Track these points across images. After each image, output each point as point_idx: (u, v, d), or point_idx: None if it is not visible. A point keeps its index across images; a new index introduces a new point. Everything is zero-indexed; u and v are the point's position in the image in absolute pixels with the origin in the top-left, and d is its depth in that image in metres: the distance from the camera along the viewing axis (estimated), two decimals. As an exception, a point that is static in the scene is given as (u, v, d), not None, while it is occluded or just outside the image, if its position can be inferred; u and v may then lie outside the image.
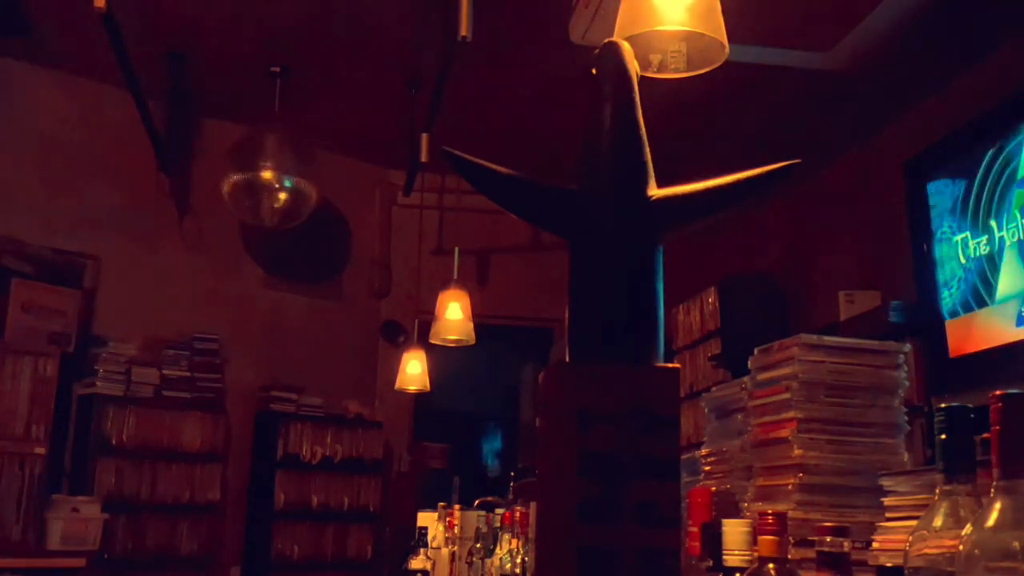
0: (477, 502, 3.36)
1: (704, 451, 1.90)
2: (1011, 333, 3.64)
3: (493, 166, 1.08)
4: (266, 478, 5.48)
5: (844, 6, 3.80)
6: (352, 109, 5.54)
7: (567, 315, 1.04)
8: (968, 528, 0.78)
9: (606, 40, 1.12)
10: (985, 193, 3.83)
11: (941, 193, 4.09)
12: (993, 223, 3.76)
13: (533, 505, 2.38)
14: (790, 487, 1.52)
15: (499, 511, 2.86)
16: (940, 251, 4.08)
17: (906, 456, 1.58)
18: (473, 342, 4.17)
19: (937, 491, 0.87)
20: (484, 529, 2.94)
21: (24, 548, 4.32)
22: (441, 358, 4.81)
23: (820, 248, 5.26)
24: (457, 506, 3.43)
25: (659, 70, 1.43)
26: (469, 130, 5.18)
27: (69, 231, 5.11)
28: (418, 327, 5.06)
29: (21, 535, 4.36)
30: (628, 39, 1.21)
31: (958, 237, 3.96)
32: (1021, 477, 0.76)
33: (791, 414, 1.56)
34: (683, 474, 1.82)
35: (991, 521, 0.76)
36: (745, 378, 1.73)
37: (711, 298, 5.46)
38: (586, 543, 0.91)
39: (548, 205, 1.10)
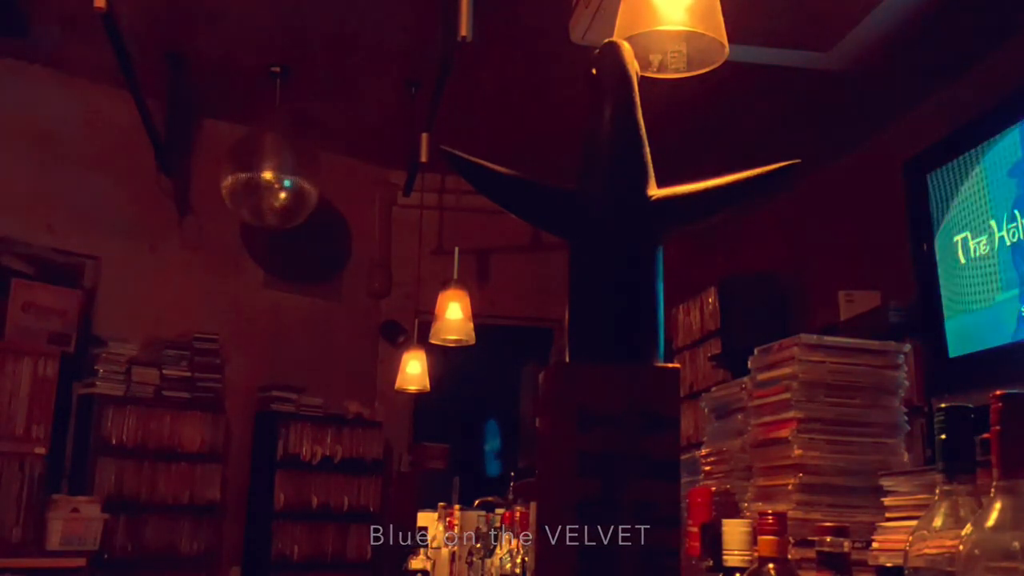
0: (477, 502, 3.36)
1: (704, 451, 1.90)
2: (1011, 333, 3.63)
3: (493, 166, 1.08)
4: (266, 478, 5.47)
5: (844, 6, 3.79)
6: (352, 109, 5.54)
7: (567, 315, 1.04)
8: (968, 528, 0.78)
9: (606, 40, 1.12)
10: (985, 193, 3.82)
11: (941, 193, 4.09)
12: (993, 223, 3.76)
13: (533, 505, 2.38)
14: (790, 487, 1.51)
15: (499, 511, 2.86)
16: (940, 251, 4.07)
17: (906, 456, 1.59)
18: (473, 342, 4.17)
19: (937, 491, 0.87)
20: (484, 529, 2.94)
21: (24, 548, 4.32)
22: (441, 358, 4.81)
23: (820, 248, 5.26)
24: (457, 506, 3.43)
25: (659, 70, 1.43)
26: (469, 130, 5.18)
27: (69, 231, 5.11)
28: (418, 327, 5.06)
29: (21, 535, 4.36)
30: (628, 39, 1.21)
31: (958, 237, 3.96)
32: (1021, 477, 0.76)
33: (791, 414, 1.56)
34: (683, 474, 1.81)
35: (991, 521, 0.76)
36: (745, 378, 1.73)
37: (711, 298, 5.46)
38: (586, 543, 0.91)
39: (548, 205, 1.10)
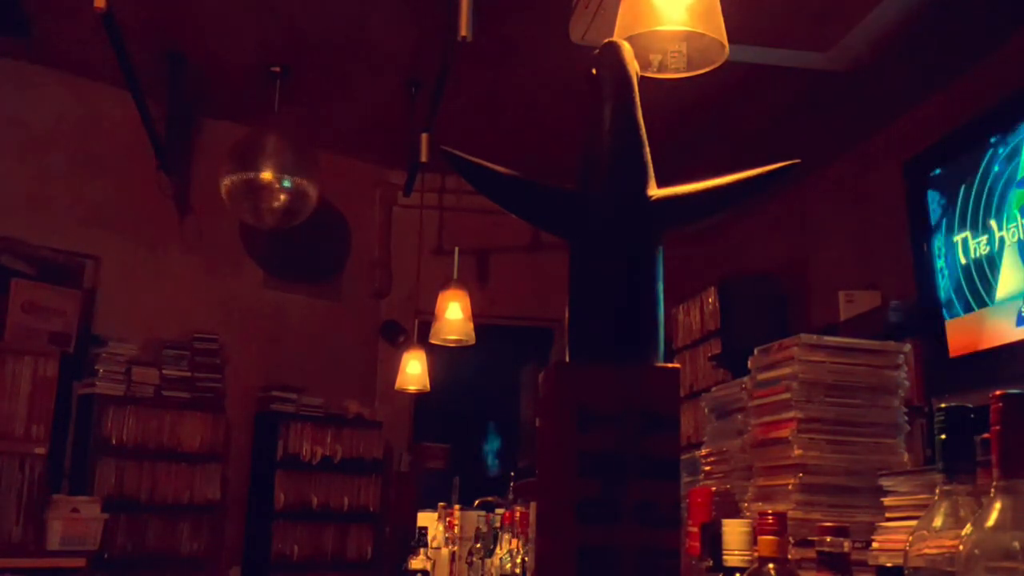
0: (477, 502, 3.36)
1: (704, 451, 1.90)
2: (1011, 333, 3.63)
3: (493, 166, 1.08)
4: (266, 478, 5.48)
5: (844, 6, 3.80)
6: (352, 109, 5.54)
7: (567, 315, 1.04)
8: (968, 528, 0.78)
9: (606, 40, 1.12)
10: (985, 193, 3.83)
11: (941, 192, 4.09)
12: (993, 223, 3.76)
13: (533, 505, 2.38)
14: (790, 487, 1.51)
15: (499, 511, 2.86)
16: (940, 251, 4.08)
17: (906, 456, 1.58)
18: (473, 342, 4.17)
19: (937, 491, 0.87)
20: (484, 529, 2.94)
21: (24, 548, 4.32)
22: (441, 358, 4.81)
23: (820, 248, 5.26)
24: (457, 506, 3.43)
25: (659, 70, 1.43)
26: (469, 130, 5.18)
27: (69, 231, 5.11)
28: (418, 327, 5.06)
29: (21, 535, 4.36)
30: (628, 39, 1.21)
31: (958, 237, 3.96)
32: (1021, 477, 0.76)
33: (791, 414, 1.56)
34: (683, 474, 1.82)
35: (991, 521, 0.76)
36: (745, 378, 1.73)
37: (711, 298, 5.46)
38: (586, 543, 0.91)
39: (548, 205, 1.10)
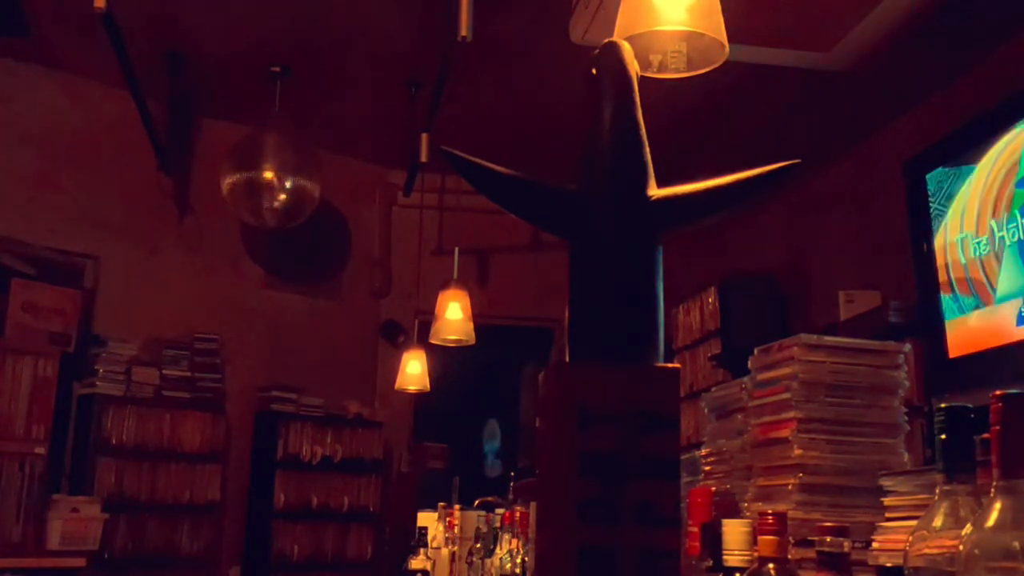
0: (477, 502, 3.36)
1: (704, 451, 1.90)
2: (1011, 333, 3.63)
3: (493, 166, 1.08)
4: (266, 478, 5.47)
5: (844, 6, 3.79)
6: (352, 109, 5.54)
7: (567, 315, 1.04)
8: (968, 528, 0.78)
9: (606, 40, 1.12)
10: (985, 193, 3.82)
11: (941, 192, 4.09)
12: (993, 223, 3.76)
13: (533, 505, 2.38)
14: (790, 487, 1.51)
15: (499, 511, 2.86)
16: (940, 251, 4.07)
17: (906, 456, 1.58)
18: (473, 342, 4.17)
19: (937, 491, 0.87)
20: (484, 529, 2.94)
21: (24, 548, 4.32)
22: (441, 358, 4.81)
23: (820, 248, 5.26)
24: (457, 506, 3.43)
25: (659, 70, 1.43)
26: (469, 130, 5.18)
27: (69, 231, 5.11)
28: (418, 327, 5.06)
29: (21, 535, 4.36)
30: (628, 39, 1.21)
31: (958, 237, 3.96)
32: (1021, 477, 0.76)
33: (791, 414, 1.56)
34: (683, 474, 1.82)
35: (991, 521, 0.76)
36: (745, 378, 1.73)
37: (711, 298, 5.46)
38: (586, 543, 0.91)
39: (548, 205, 1.10)
